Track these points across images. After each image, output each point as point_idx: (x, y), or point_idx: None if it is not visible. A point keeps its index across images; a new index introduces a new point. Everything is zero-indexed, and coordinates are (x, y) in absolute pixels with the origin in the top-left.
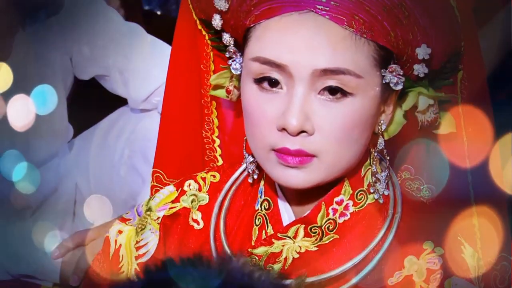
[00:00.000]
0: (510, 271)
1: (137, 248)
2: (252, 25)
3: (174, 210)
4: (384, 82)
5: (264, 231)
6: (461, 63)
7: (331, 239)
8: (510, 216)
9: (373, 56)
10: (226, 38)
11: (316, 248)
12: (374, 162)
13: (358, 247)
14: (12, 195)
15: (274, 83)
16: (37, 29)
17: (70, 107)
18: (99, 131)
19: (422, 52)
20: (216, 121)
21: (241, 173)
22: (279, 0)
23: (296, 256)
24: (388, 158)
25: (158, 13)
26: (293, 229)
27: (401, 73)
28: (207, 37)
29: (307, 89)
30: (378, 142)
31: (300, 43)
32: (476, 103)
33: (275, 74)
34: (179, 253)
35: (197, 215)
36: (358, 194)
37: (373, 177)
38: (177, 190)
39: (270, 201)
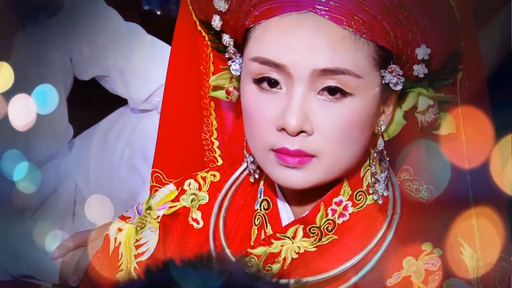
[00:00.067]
0: (510, 272)
1: (137, 247)
2: (251, 25)
3: (174, 209)
4: (383, 82)
5: (263, 231)
6: (460, 63)
7: (330, 240)
8: (509, 217)
9: (372, 56)
10: (226, 39)
11: (315, 249)
12: (374, 163)
13: (357, 247)
14: (12, 195)
15: (273, 83)
16: (37, 30)
17: (70, 107)
18: (99, 131)
19: (421, 52)
20: (214, 123)
21: (241, 173)
22: (278, 0)
23: (295, 256)
24: (388, 159)
25: (158, 13)
26: (292, 229)
27: (401, 74)
28: (207, 38)
29: (306, 89)
30: (378, 143)
31: (299, 43)
32: (476, 104)
33: (274, 74)
34: (178, 252)
35: (197, 215)
36: (357, 194)
37: (372, 178)
38: (177, 189)
39: (270, 201)
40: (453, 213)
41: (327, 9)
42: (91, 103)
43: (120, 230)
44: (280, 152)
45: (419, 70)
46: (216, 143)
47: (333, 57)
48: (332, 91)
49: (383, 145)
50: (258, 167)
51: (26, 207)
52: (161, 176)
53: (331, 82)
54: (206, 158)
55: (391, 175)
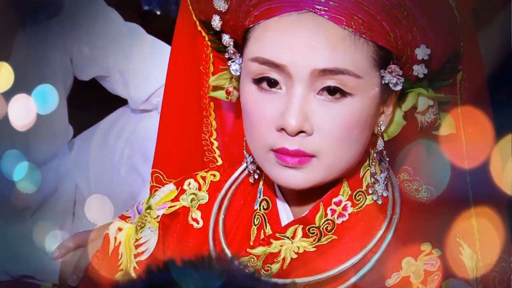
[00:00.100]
0: (509, 272)
1: (137, 246)
2: (251, 25)
3: (173, 208)
4: (383, 82)
5: (262, 231)
6: (460, 63)
7: (329, 240)
8: (509, 217)
9: (372, 57)
10: (226, 39)
11: (314, 249)
12: (373, 163)
13: (356, 248)
14: (12, 195)
15: (273, 83)
16: (37, 30)
17: (70, 107)
18: (99, 131)
19: (421, 52)
20: (214, 123)
21: (241, 173)
22: (278, 0)
23: (294, 256)
24: (387, 159)
25: (158, 13)
26: (291, 229)
27: (400, 74)
28: (207, 38)
29: (306, 89)
30: (378, 143)
31: (299, 43)
32: (476, 104)
33: (274, 74)
34: (178, 252)
35: (197, 214)
36: (357, 195)
37: (372, 178)
38: (177, 188)
39: (269, 201)
40: (453, 213)
41: (326, 9)
42: (91, 103)
43: (120, 229)
44: (280, 152)
45: (419, 70)
46: (216, 143)
47: (332, 57)
48: (332, 91)
49: (383, 145)
50: (258, 167)
51: (26, 207)
52: (161, 176)
53: (330, 82)
54: (206, 158)
55: (390, 176)
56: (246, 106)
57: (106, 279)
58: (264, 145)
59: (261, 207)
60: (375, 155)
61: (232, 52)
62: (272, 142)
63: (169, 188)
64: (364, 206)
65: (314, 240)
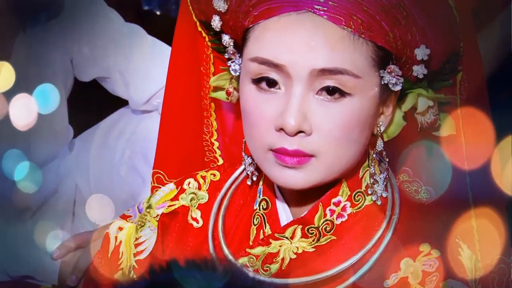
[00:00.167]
0: (508, 273)
1: (136, 245)
2: (250, 25)
3: (172, 208)
4: (382, 83)
5: (262, 231)
6: (460, 64)
7: (328, 240)
8: (509, 218)
9: (371, 57)
10: (226, 39)
11: (313, 249)
12: (373, 164)
13: (355, 248)
14: (13, 195)
15: (272, 83)
16: (38, 30)
17: (71, 108)
18: (99, 131)
19: (421, 53)
20: (215, 123)
21: (241, 173)
22: (277, 0)
23: (293, 256)
24: (387, 159)
25: (158, 13)
26: (291, 229)
27: (400, 74)
28: (207, 39)
29: (305, 89)
30: (377, 144)
31: (298, 43)
32: (475, 105)
33: (273, 74)
34: (177, 251)
35: (197, 214)
36: (356, 195)
37: (371, 179)
38: (177, 188)
39: (268, 201)
40: (452, 214)
41: (325, 9)
42: (92, 104)
43: (120, 229)
44: (279, 152)
45: (419, 70)
46: (217, 143)
47: (331, 57)
48: (331, 91)
49: (383, 145)
50: (257, 169)
51: (27, 208)
52: (162, 177)
53: (329, 82)
54: (207, 158)
55: (390, 176)
56: (245, 106)
57: (106, 278)
58: (263, 145)
59: (261, 207)
60: (374, 155)
61: (231, 53)
62: (271, 142)
63: (169, 188)
64: (363, 206)
65: (313, 241)
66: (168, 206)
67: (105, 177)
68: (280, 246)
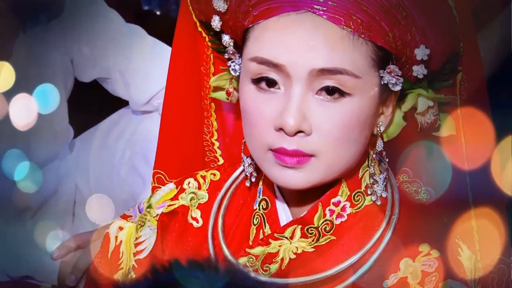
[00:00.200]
0: (508, 274)
1: (136, 245)
2: (250, 25)
3: (172, 207)
4: (382, 83)
5: (261, 231)
6: (460, 64)
7: (327, 240)
8: (509, 218)
9: (371, 57)
10: (226, 39)
11: (312, 249)
12: (373, 164)
13: (355, 248)
14: (13, 195)
15: (271, 83)
16: (38, 31)
17: (71, 108)
18: (99, 132)
19: (420, 53)
20: (215, 124)
21: (241, 173)
22: (277, 0)
23: (293, 256)
24: (387, 160)
25: (158, 13)
26: (290, 229)
27: (400, 74)
28: (207, 39)
29: (304, 89)
30: (377, 144)
31: (297, 43)
32: (475, 105)
33: (272, 74)
34: (177, 251)
35: (196, 213)
36: (356, 195)
37: (371, 179)
38: (177, 188)
39: (268, 201)
40: (452, 214)
41: (325, 9)
42: (92, 104)
43: (121, 228)
44: (278, 152)
45: (419, 71)
46: (217, 143)
47: (331, 57)
48: (330, 91)
49: (382, 146)
50: (255, 170)
51: (27, 208)
52: (163, 177)
53: (329, 82)
54: (207, 158)
55: (390, 176)
56: (245, 106)
57: (106, 278)
58: (262, 144)
59: (261, 207)
60: (374, 155)
61: (231, 53)
62: (270, 141)
63: (169, 187)
64: (363, 206)
65: (312, 241)
66: (168, 206)
67: (105, 177)
68: (280, 246)
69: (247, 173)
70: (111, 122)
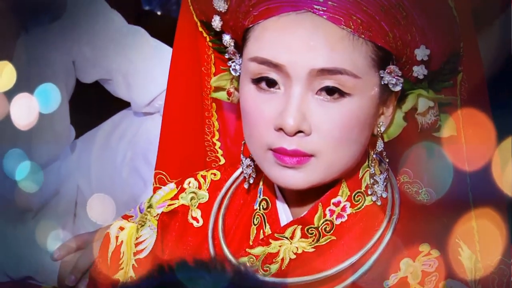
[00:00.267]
0: (509, 274)
1: (136, 244)
2: (250, 25)
3: (172, 207)
4: (382, 83)
5: (262, 231)
6: (460, 64)
7: (328, 240)
8: (509, 219)
9: (371, 57)
10: (226, 39)
11: (313, 249)
12: (373, 164)
13: (355, 248)
14: (15, 195)
15: (271, 83)
16: (39, 31)
17: (73, 109)
18: (101, 133)
19: (420, 53)
20: (216, 124)
21: (241, 172)
22: (277, 0)
23: (293, 257)
24: (387, 160)
25: (158, 13)
26: (290, 229)
27: (400, 74)
28: (208, 39)
29: (304, 89)
30: (377, 144)
31: (297, 43)
32: (476, 106)
33: (272, 74)
34: (177, 250)
35: (197, 213)
36: (356, 195)
37: (371, 179)
38: (177, 187)
39: (268, 201)
40: (452, 214)
41: (325, 9)
42: (94, 105)
43: (122, 228)
44: (278, 152)
45: (419, 71)
46: (218, 143)
47: (331, 57)
48: (330, 91)
49: (383, 146)
50: (255, 170)
51: (28, 209)
52: (164, 177)
53: (329, 82)
54: (209, 159)
55: (390, 177)
56: (245, 106)
57: (107, 278)
58: (262, 144)
59: (261, 206)
60: (374, 156)
61: (232, 53)
62: (270, 141)
63: (170, 187)
64: (363, 207)
65: (312, 241)
66: (168, 205)
67: (106, 178)
68: (280, 246)
69: (245, 175)
70: (113, 123)
